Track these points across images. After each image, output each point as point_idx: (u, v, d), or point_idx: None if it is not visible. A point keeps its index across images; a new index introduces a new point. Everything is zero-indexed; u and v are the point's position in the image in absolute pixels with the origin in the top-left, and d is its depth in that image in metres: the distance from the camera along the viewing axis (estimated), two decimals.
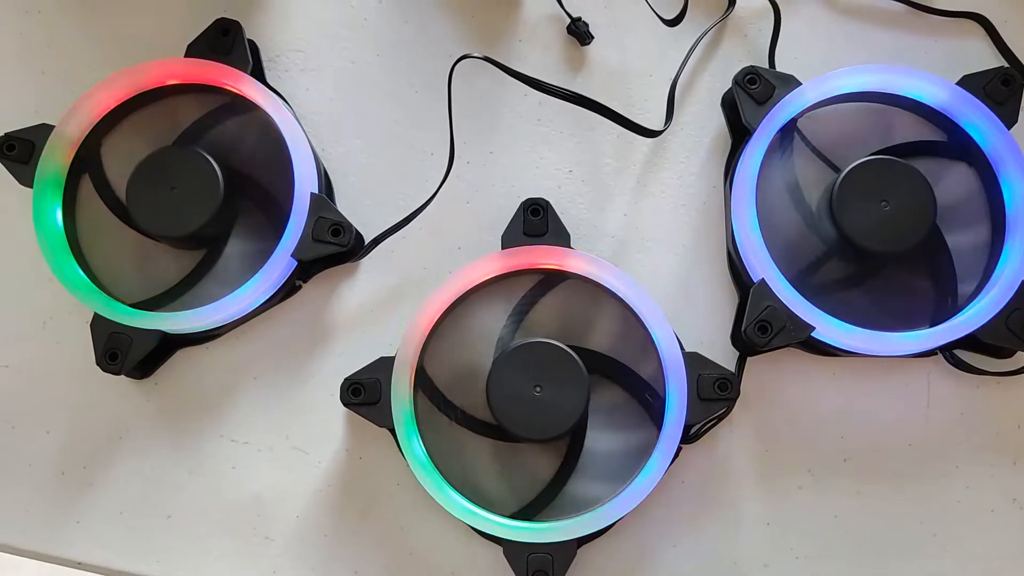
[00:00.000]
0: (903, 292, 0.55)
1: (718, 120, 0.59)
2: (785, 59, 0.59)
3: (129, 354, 0.54)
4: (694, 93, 0.59)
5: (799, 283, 0.54)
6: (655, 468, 0.52)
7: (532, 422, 0.52)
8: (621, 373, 0.54)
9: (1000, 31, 0.59)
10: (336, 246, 0.55)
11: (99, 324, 0.55)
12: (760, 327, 0.52)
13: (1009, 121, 0.55)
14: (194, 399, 0.57)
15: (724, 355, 0.56)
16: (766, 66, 0.58)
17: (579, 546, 0.52)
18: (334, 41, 0.60)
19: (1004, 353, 0.55)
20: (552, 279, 0.55)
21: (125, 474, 0.57)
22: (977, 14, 0.59)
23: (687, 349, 0.53)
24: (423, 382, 0.54)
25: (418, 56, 0.60)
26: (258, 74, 0.58)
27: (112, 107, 0.57)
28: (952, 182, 0.56)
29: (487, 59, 0.56)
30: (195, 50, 0.57)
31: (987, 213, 0.55)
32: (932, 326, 0.54)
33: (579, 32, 0.59)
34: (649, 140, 0.58)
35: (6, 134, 0.55)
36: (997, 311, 0.53)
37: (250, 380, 0.57)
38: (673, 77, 0.58)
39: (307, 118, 0.59)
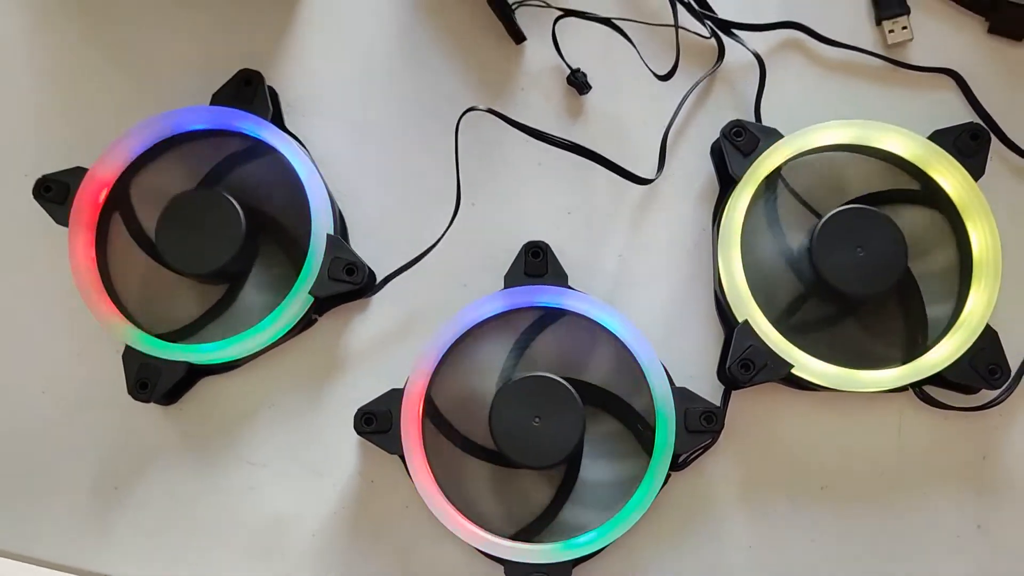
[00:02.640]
0: (877, 332, 0.57)
1: (707, 167, 0.61)
2: (770, 110, 0.60)
3: (158, 383, 0.56)
4: (685, 141, 0.61)
5: (780, 323, 0.56)
6: (646, 494, 0.54)
7: (531, 450, 0.53)
8: (614, 405, 0.56)
9: (971, 86, 0.60)
10: (350, 284, 0.57)
11: (131, 355, 0.57)
12: (743, 365, 0.55)
13: (976, 173, 0.56)
14: (217, 425, 0.59)
15: (710, 389, 0.58)
16: (752, 117, 0.60)
17: (575, 566, 0.54)
18: (348, 88, 0.62)
19: (970, 390, 0.57)
20: (551, 316, 0.57)
21: (153, 494, 0.58)
22: (950, 70, 0.61)
23: (676, 383, 0.55)
24: (431, 412, 0.56)
25: (427, 103, 0.62)
26: (277, 119, 0.60)
27: (142, 151, 0.58)
28: (924, 229, 0.57)
29: (491, 111, 0.58)
30: (220, 99, 0.59)
31: (956, 259, 0.57)
32: (903, 364, 0.55)
33: (578, 82, 0.61)
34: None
35: (43, 176, 0.57)
36: (963, 352, 0.54)
37: (269, 408, 0.59)
38: (665, 126, 0.60)
39: (322, 161, 0.60)
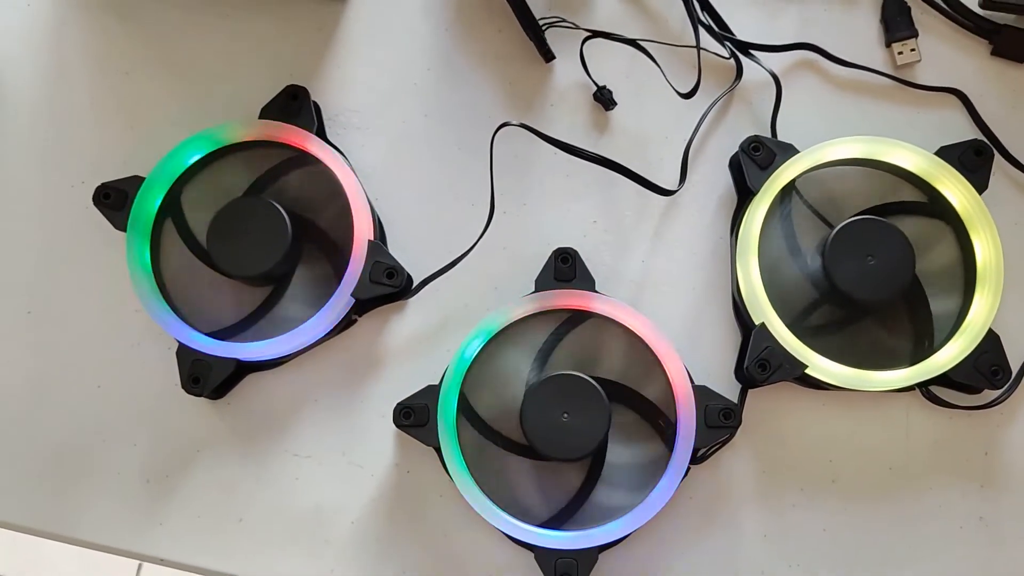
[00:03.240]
0: (886, 335, 0.59)
1: (726, 179, 0.63)
2: (786, 126, 0.62)
3: (210, 378, 0.58)
4: (705, 155, 0.63)
5: (795, 326, 0.58)
6: (667, 485, 0.56)
7: (560, 443, 0.55)
8: (638, 402, 0.58)
9: (976, 104, 0.63)
10: (390, 287, 0.59)
11: (184, 352, 0.59)
12: (760, 365, 0.57)
13: (980, 187, 0.59)
14: (262, 418, 0.61)
15: (728, 387, 0.60)
16: (769, 133, 0.62)
17: (600, 552, 0.56)
18: (387, 103, 0.64)
19: (973, 390, 0.59)
20: (578, 318, 0.59)
21: (202, 483, 0.60)
22: (956, 89, 0.63)
23: (696, 382, 0.57)
24: (465, 407, 0.58)
25: (461, 117, 0.64)
26: (321, 132, 0.62)
27: (194, 160, 0.61)
28: (931, 239, 0.59)
29: (523, 126, 0.61)
30: (268, 113, 0.61)
31: (960, 267, 0.59)
32: (911, 366, 0.57)
33: (604, 99, 0.63)
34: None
35: (102, 184, 0.59)
36: (967, 354, 0.57)
37: (312, 402, 0.61)
38: (687, 141, 0.62)
39: (363, 171, 0.62)
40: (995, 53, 0.64)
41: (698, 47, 0.63)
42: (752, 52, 0.64)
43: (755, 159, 0.60)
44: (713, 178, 0.63)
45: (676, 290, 0.62)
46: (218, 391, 0.61)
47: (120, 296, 0.62)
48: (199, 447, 0.61)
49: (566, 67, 0.64)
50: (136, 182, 0.60)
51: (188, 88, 0.65)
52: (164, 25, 0.66)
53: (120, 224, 0.60)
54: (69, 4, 0.66)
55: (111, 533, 0.60)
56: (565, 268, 0.59)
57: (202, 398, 0.60)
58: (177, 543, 0.60)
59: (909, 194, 0.61)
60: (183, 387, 0.59)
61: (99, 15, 0.66)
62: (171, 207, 0.61)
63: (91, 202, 0.60)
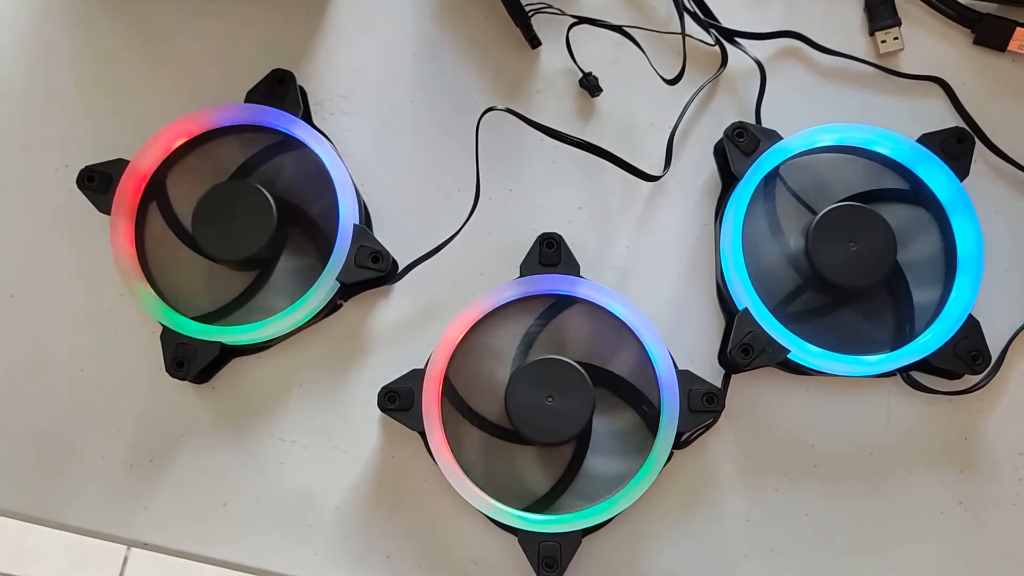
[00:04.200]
0: (867, 321, 0.59)
1: (710, 166, 0.63)
2: (770, 113, 0.63)
3: (194, 362, 0.58)
4: (690, 142, 0.63)
5: (777, 311, 0.58)
6: (650, 470, 0.56)
7: (544, 428, 0.55)
8: (622, 386, 0.58)
9: (957, 93, 0.63)
10: (375, 271, 0.59)
11: (168, 336, 0.58)
12: (743, 349, 0.57)
13: (961, 174, 0.59)
14: (247, 403, 0.61)
15: (711, 372, 0.60)
16: (753, 120, 0.62)
17: (584, 536, 0.56)
18: (373, 88, 0.64)
19: (953, 375, 0.59)
20: (563, 303, 0.59)
21: (186, 467, 0.60)
22: (938, 78, 0.63)
23: (680, 367, 0.57)
24: (449, 391, 0.58)
25: (448, 103, 0.64)
26: (306, 117, 0.62)
27: (180, 144, 0.61)
28: (912, 225, 0.60)
29: (509, 111, 0.61)
30: (254, 96, 0.61)
31: (941, 253, 0.60)
32: (892, 351, 0.57)
33: (590, 85, 0.63)
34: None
35: (87, 167, 0.59)
36: (947, 339, 0.57)
37: (296, 387, 0.61)
38: (672, 127, 0.63)
39: (348, 156, 0.62)
40: (977, 42, 0.65)
41: (683, 34, 0.64)
42: (737, 39, 0.65)
43: (739, 145, 0.60)
44: (698, 164, 0.64)
45: (660, 275, 0.62)
46: (202, 375, 0.61)
47: (104, 280, 0.62)
48: (183, 431, 0.61)
49: (552, 53, 0.65)
50: (121, 165, 0.60)
51: (174, 71, 0.65)
52: (150, 8, 0.66)
53: (105, 207, 0.60)
54: None
55: (95, 518, 0.60)
56: (550, 253, 0.59)
57: (186, 382, 0.60)
58: (161, 527, 0.60)
59: (891, 181, 0.61)
60: (167, 371, 0.59)
61: None
62: (156, 191, 0.61)
63: (75, 185, 0.60)
